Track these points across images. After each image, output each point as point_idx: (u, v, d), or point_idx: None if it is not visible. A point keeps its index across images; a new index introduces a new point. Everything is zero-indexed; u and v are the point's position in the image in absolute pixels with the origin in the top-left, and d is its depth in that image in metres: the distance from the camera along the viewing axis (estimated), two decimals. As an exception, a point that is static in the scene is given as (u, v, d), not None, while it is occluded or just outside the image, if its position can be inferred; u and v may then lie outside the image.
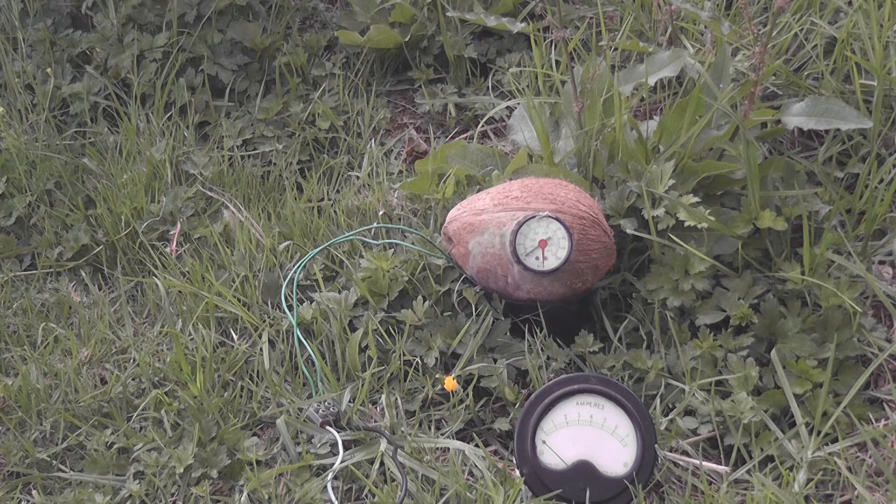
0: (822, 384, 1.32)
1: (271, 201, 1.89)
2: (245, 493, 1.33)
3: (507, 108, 1.88)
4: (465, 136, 1.97)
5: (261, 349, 1.52)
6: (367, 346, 1.48)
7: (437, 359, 1.45)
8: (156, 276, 1.73)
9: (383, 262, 1.52)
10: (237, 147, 2.01)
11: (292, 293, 1.57)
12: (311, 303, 1.55)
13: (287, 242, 1.71)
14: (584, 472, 1.28)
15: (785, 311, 1.41)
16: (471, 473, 1.34)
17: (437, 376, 1.44)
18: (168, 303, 1.68)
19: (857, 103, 1.57)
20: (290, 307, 1.55)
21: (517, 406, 1.40)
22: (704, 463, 1.31)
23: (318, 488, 1.31)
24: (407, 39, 2.06)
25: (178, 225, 1.84)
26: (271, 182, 1.94)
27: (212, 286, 1.63)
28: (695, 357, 1.40)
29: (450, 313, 1.50)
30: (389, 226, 1.66)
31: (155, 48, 2.10)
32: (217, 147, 2.02)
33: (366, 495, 1.33)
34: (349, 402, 1.42)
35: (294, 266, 1.63)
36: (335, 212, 1.77)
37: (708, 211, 1.45)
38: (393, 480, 1.32)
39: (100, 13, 2.16)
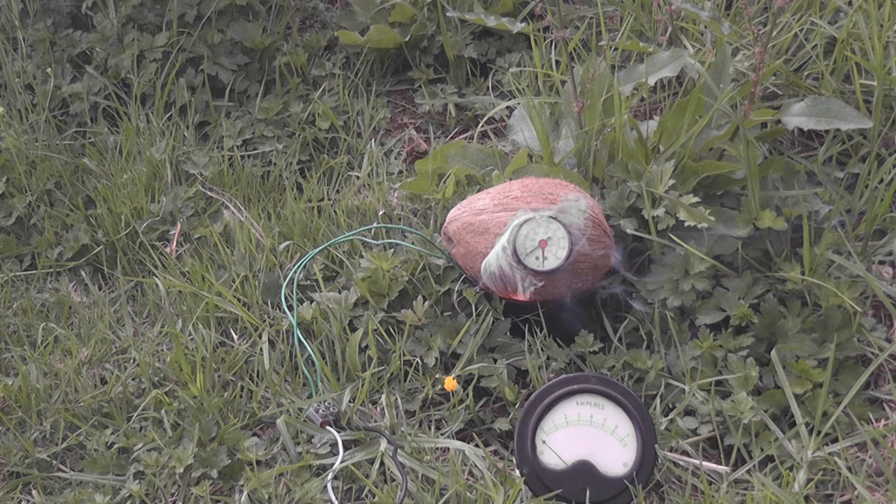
0: (822, 384, 1.32)
1: (271, 201, 1.89)
2: (245, 493, 1.33)
3: (507, 108, 1.88)
4: (465, 136, 1.97)
5: (261, 349, 1.52)
6: (367, 346, 1.48)
7: (437, 359, 1.45)
8: (156, 276, 1.73)
9: (383, 262, 1.52)
10: (237, 147, 2.01)
11: (292, 293, 1.57)
12: (311, 303, 1.55)
13: (287, 242, 1.71)
14: (584, 472, 1.28)
15: (785, 311, 1.41)
16: (471, 473, 1.34)
17: (437, 376, 1.44)
18: (168, 303, 1.68)
19: (857, 103, 1.57)
20: (290, 307, 1.55)
21: (517, 406, 1.40)
22: (704, 463, 1.31)
23: (318, 488, 1.31)
24: (407, 39, 2.06)
25: (178, 225, 1.84)
26: (271, 182, 1.94)
27: (212, 286, 1.63)
28: (695, 357, 1.40)
29: (450, 313, 1.50)
30: (389, 226, 1.66)
31: (155, 48, 2.10)
32: (217, 147, 2.02)
33: (366, 495, 1.33)
34: (349, 402, 1.42)
35: (294, 266, 1.63)
36: (335, 212, 1.77)
37: (708, 211, 1.45)
38: (393, 480, 1.32)
39: (100, 13, 2.16)
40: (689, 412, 1.37)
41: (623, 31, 1.84)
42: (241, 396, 1.48)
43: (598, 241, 1.43)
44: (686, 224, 1.43)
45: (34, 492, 1.42)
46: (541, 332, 1.45)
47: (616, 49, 1.81)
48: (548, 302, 1.45)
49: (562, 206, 1.41)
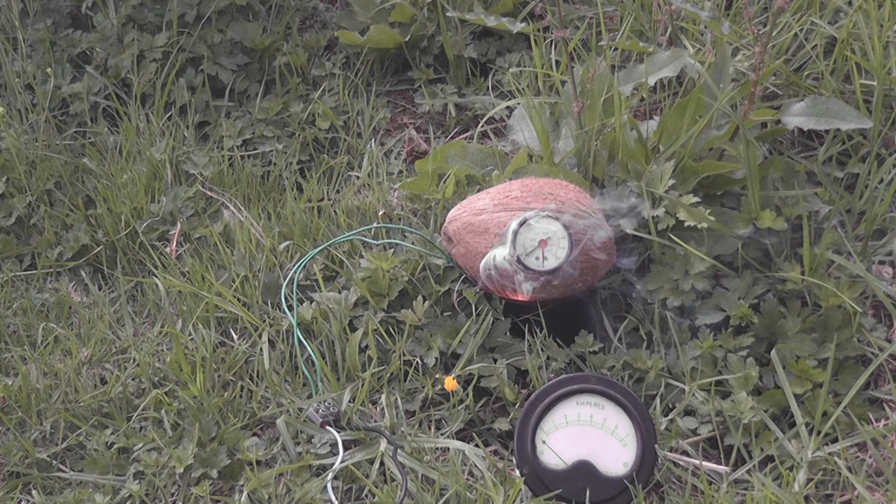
0: (822, 384, 1.32)
1: (271, 201, 1.89)
2: (245, 493, 1.33)
3: (507, 108, 1.88)
4: (465, 136, 1.97)
5: (261, 349, 1.52)
6: (367, 346, 1.48)
7: (437, 359, 1.45)
8: (156, 276, 1.73)
9: (383, 262, 1.52)
10: (237, 147, 2.01)
11: (292, 293, 1.57)
12: (311, 303, 1.55)
13: (287, 242, 1.71)
14: (584, 472, 1.28)
15: (785, 311, 1.41)
16: (471, 473, 1.34)
17: (437, 376, 1.44)
18: (168, 303, 1.68)
19: (857, 103, 1.57)
20: (290, 307, 1.55)
21: (517, 406, 1.40)
22: (704, 463, 1.31)
23: (318, 488, 1.31)
24: (407, 39, 2.06)
25: (178, 225, 1.84)
26: (271, 182, 1.94)
27: (212, 286, 1.63)
28: (695, 357, 1.40)
29: (450, 313, 1.50)
30: (389, 226, 1.66)
31: (155, 48, 2.10)
32: (217, 147, 2.02)
33: (366, 495, 1.33)
34: (349, 402, 1.42)
35: (294, 266, 1.63)
36: (335, 212, 1.77)
37: (708, 211, 1.45)
38: (393, 480, 1.32)
39: (100, 13, 2.16)
40: (689, 412, 1.37)
41: (623, 31, 1.84)
42: (241, 396, 1.48)
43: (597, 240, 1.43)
44: (686, 224, 1.43)
45: (34, 492, 1.42)
46: (541, 332, 1.45)
47: (616, 49, 1.81)
48: (548, 302, 1.45)
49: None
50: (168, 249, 1.80)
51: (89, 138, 2.08)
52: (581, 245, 1.41)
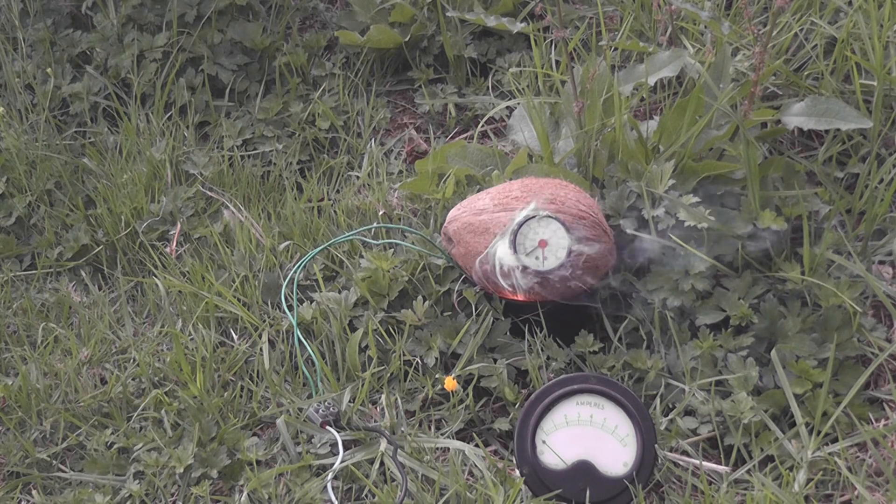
0: (822, 384, 1.32)
1: (271, 201, 1.89)
2: (245, 493, 1.33)
3: (507, 108, 1.88)
4: (465, 136, 1.97)
5: (261, 349, 1.52)
6: (367, 346, 1.48)
7: (437, 359, 1.45)
8: (156, 276, 1.73)
9: (383, 262, 1.52)
10: (237, 147, 2.01)
11: (292, 293, 1.57)
12: (311, 303, 1.56)
13: (287, 242, 1.71)
14: (584, 472, 1.28)
15: (785, 311, 1.41)
16: (471, 473, 1.34)
17: (437, 376, 1.44)
18: (168, 303, 1.68)
19: (857, 103, 1.57)
20: (290, 307, 1.55)
21: (517, 406, 1.40)
22: (704, 463, 1.31)
23: (318, 488, 1.31)
24: (407, 39, 2.06)
25: (178, 225, 1.84)
26: (271, 182, 1.94)
27: (212, 286, 1.63)
28: (695, 357, 1.40)
29: (450, 313, 1.50)
30: (389, 226, 1.66)
31: (155, 48, 2.10)
32: (217, 147, 2.02)
33: (366, 495, 1.33)
34: (349, 402, 1.42)
35: (294, 266, 1.63)
36: (335, 212, 1.77)
37: (708, 211, 1.45)
38: (393, 480, 1.32)
39: (100, 13, 2.16)
40: (689, 412, 1.37)
41: (623, 31, 1.84)
42: (241, 396, 1.48)
43: (597, 241, 1.43)
44: (686, 224, 1.43)
45: (34, 492, 1.42)
46: (541, 332, 1.45)
47: (616, 49, 1.81)
48: (548, 302, 1.45)
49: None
50: (168, 249, 1.80)
51: (89, 138, 2.08)
52: (581, 245, 1.41)
